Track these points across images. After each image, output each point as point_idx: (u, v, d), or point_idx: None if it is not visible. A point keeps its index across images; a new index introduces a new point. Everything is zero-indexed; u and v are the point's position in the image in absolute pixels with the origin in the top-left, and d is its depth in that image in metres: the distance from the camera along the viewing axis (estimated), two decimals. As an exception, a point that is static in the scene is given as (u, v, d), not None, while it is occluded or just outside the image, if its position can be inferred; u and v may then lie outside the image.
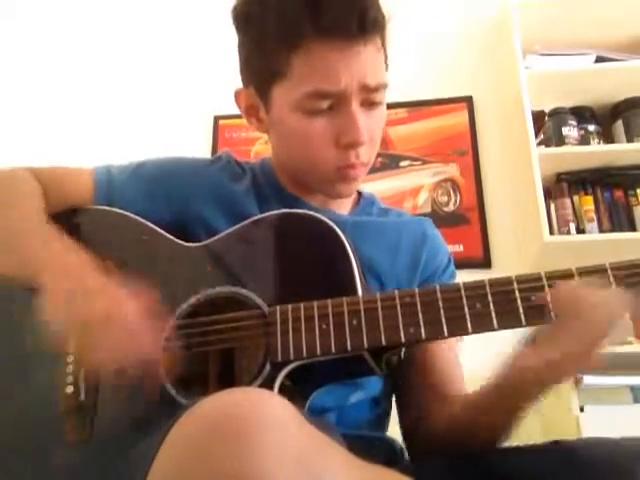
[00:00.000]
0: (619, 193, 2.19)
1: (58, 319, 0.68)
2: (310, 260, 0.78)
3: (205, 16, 2.64)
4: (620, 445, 0.68)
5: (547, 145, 2.23)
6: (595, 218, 2.14)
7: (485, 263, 2.26)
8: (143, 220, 0.87)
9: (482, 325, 0.68)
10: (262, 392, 0.52)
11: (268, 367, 0.71)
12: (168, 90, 2.68)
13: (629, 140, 2.22)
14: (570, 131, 2.22)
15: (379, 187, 2.36)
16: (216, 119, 2.62)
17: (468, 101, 2.51)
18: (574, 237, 2.10)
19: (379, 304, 0.70)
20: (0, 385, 0.80)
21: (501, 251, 2.29)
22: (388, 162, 2.44)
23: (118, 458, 0.63)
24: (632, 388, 1.82)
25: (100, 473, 0.69)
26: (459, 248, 2.29)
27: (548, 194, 2.18)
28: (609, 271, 0.67)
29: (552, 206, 2.18)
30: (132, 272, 0.83)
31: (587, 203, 2.17)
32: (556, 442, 0.71)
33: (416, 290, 0.71)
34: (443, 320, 0.68)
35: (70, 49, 2.71)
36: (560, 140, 2.20)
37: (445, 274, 0.96)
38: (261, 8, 0.82)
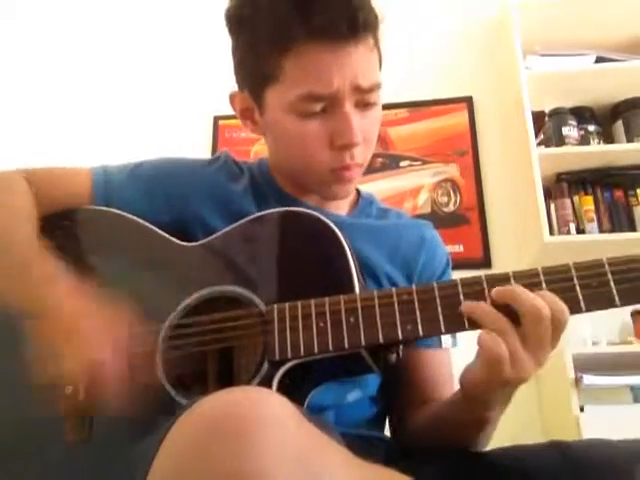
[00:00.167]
0: (619, 193, 2.20)
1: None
2: (308, 258, 0.78)
3: (205, 16, 2.64)
4: (618, 446, 0.68)
5: (547, 145, 2.23)
6: (595, 218, 2.14)
7: (485, 263, 2.27)
8: (141, 220, 0.87)
9: None
10: (261, 391, 0.52)
11: (266, 366, 0.71)
12: (168, 90, 2.68)
13: (629, 140, 2.22)
14: (570, 131, 2.22)
15: (379, 187, 2.36)
16: (216, 119, 2.62)
17: (468, 101, 2.51)
18: (574, 237, 2.10)
19: (376, 302, 0.70)
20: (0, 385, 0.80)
21: (501, 251, 2.29)
22: (388, 162, 2.44)
23: (118, 458, 0.63)
24: (632, 388, 1.83)
25: (100, 473, 0.69)
26: (459, 248, 2.29)
27: (548, 194, 2.18)
28: (607, 266, 0.66)
29: (552, 206, 2.19)
30: (130, 273, 0.84)
31: (587, 203, 2.17)
32: (555, 442, 0.71)
33: (414, 287, 0.70)
34: (440, 317, 0.68)
35: (70, 49, 2.72)
36: (560, 140, 2.21)
37: (442, 278, 0.95)
38: (253, 11, 0.82)
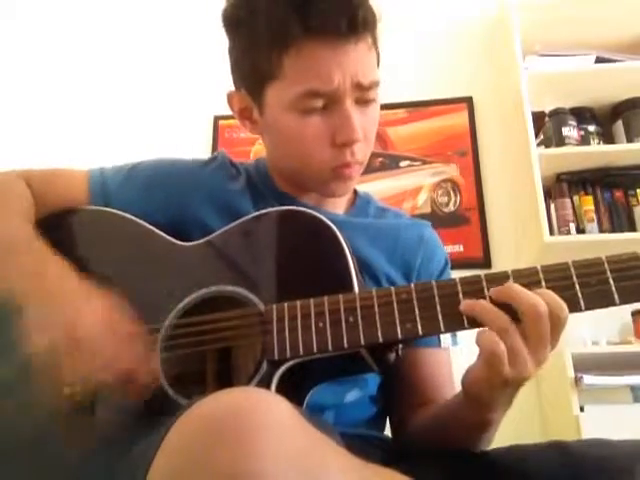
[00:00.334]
0: (619, 193, 2.20)
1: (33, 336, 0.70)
2: (306, 258, 0.78)
3: (204, 16, 2.63)
4: (619, 446, 0.68)
5: (547, 145, 2.23)
6: (595, 218, 2.14)
7: (485, 263, 2.26)
8: (139, 220, 0.88)
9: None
10: (260, 392, 0.52)
11: (265, 365, 0.71)
12: (168, 90, 2.68)
13: (629, 140, 2.22)
14: (570, 131, 2.22)
15: (379, 187, 2.36)
16: (216, 119, 2.62)
17: (468, 101, 2.51)
18: (574, 237, 2.10)
19: (375, 301, 0.70)
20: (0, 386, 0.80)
21: (501, 251, 2.29)
22: (388, 162, 2.45)
23: (117, 458, 0.63)
24: (632, 388, 1.82)
25: (100, 473, 0.69)
26: (459, 248, 2.29)
27: (548, 194, 2.18)
28: (606, 265, 0.66)
29: (552, 206, 2.19)
30: (129, 272, 0.84)
31: (587, 203, 2.17)
32: (556, 442, 0.71)
33: (412, 286, 0.70)
34: (440, 316, 0.68)
35: (70, 49, 2.72)
36: (560, 140, 2.21)
37: (441, 279, 0.95)
38: (250, 11, 0.82)
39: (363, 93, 0.82)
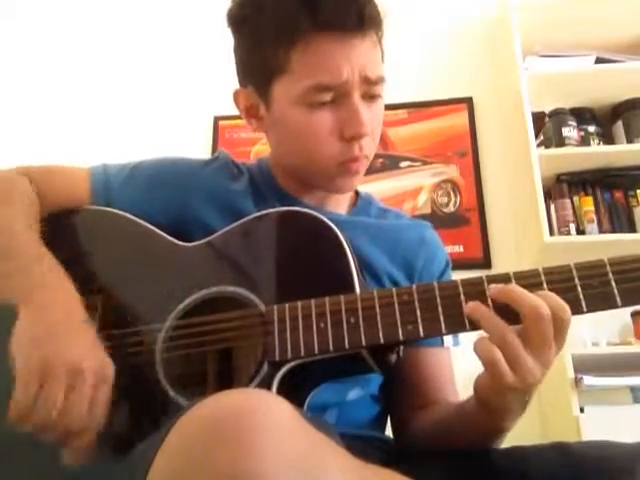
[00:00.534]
0: (619, 194, 2.20)
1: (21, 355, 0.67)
2: (308, 258, 0.78)
3: (205, 17, 2.64)
4: (620, 447, 0.67)
5: (547, 146, 2.23)
6: (595, 219, 2.14)
7: (485, 264, 2.27)
8: (140, 220, 0.87)
9: None
10: (261, 393, 0.52)
11: (266, 366, 0.71)
12: (168, 91, 2.68)
13: (629, 141, 2.22)
14: (570, 132, 2.22)
15: (379, 188, 2.36)
16: (216, 120, 2.62)
17: (468, 102, 2.51)
18: (574, 238, 2.10)
19: (377, 302, 0.70)
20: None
21: (501, 252, 2.29)
22: (388, 163, 2.45)
23: (118, 459, 0.63)
24: (632, 389, 1.82)
25: (100, 474, 0.69)
26: (459, 249, 2.29)
27: (548, 195, 2.18)
28: (608, 267, 0.66)
29: (552, 207, 2.19)
30: (129, 273, 0.84)
31: (587, 204, 2.17)
32: (557, 444, 0.71)
33: (414, 287, 0.70)
34: (441, 317, 0.68)
35: (70, 50, 2.71)
36: (560, 141, 2.21)
37: (442, 279, 0.95)
38: (256, 8, 0.83)
39: (370, 88, 0.83)
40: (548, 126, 2.27)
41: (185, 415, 0.48)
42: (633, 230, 2.13)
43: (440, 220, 2.32)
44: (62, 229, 0.88)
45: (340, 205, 0.97)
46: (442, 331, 0.68)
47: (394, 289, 0.71)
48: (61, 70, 2.69)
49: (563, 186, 2.20)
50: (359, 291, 0.73)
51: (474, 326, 0.66)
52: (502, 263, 2.25)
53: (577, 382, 1.80)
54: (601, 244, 2.05)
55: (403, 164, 2.46)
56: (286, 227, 0.81)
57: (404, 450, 0.87)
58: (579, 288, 0.66)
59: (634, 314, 2.04)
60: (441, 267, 0.96)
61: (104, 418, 0.67)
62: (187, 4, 2.77)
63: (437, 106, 2.52)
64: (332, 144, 0.83)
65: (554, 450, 0.70)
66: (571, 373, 1.81)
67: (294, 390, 0.69)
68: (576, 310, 0.65)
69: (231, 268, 0.80)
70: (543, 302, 0.63)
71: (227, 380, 0.76)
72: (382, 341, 0.68)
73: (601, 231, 2.12)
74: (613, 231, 2.13)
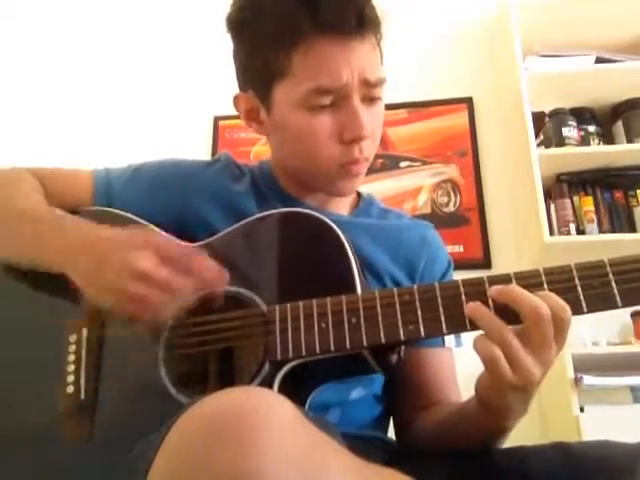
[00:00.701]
0: (619, 194, 2.20)
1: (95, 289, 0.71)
2: (309, 258, 0.78)
3: (205, 17, 2.64)
4: (620, 446, 0.68)
5: (547, 146, 2.23)
6: (595, 219, 2.14)
7: (485, 264, 2.27)
8: (143, 221, 0.88)
9: None
10: (262, 391, 0.52)
11: (267, 366, 0.71)
12: (168, 91, 2.68)
13: (629, 141, 2.23)
14: (570, 132, 2.22)
15: (379, 188, 2.36)
16: (216, 120, 2.62)
17: (468, 102, 2.51)
18: (574, 238, 2.11)
19: (378, 302, 0.70)
20: (0, 385, 0.80)
21: (501, 252, 2.29)
22: (388, 163, 2.45)
23: (118, 457, 0.63)
24: (632, 388, 1.82)
25: (100, 472, 0.69)
26: (459, 249, 2.29)
27: (548, 195, 2.18)
28: (608, 267, 0.66)
29: (552, 207, 2.19)
30: None
31: (587, 204, 2.17)
32: (558, 444, 0.71)
33: (415, 287, 0.70)
34: (442, 317, 0.68)
35: (70, 50, 2.71)
36: (560, 141, 2.21)
37: (444, 280, 0.95)
38: (256, 12, 0.83)
39: (370, 90, 0.83)
40: (548, 126, 2.27)
41: (185, 414, 0.48)
42: (633, 230, 2.13)
43: (440, 220, 2.32)
44: None
45: (342, 206, 0.97)
46: (443, 331, 0.68)
47: (395, 289, 0.71)
48: (61, 70, 2.69)
49: (563, 186, 2.20)
50: (360, 291, 0.73)
51: (475, 326, 0.67)
52: (502, 263, 2.25)
53: (577, 382, 1.80)
54: (601, 244, 2.05)
55: (403, 164, 2.46)
56: (288, 228, 0.82)
57: (406, 450, 0.87)
58: (579, 288, 0.66)
59: (634, 314, 2.04)
60: (443, 268, 0.97)
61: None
62: (187, 5, 2.77)
63: (437, 106, 2.52)
64: (332, 147, 0.83)
65: (555, 450, 0.70)
66: (571, 373, 1.82)
67: (295, 390, 0.69)
68: (576, 310, 0.65)
69: (233, 268, 0.81)
70: (543, 302, 0.63)
71: (228, 379, 0.76)
72: (383, 341, 0.68)
73: (601, 231, 2.13)
74: (613, 231, 2.13)
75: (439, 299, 0.69)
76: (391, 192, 2.41)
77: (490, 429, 0.73)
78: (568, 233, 2.12)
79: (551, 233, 2.07)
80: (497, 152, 2.43)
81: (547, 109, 2.31)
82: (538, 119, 2.24)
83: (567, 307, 0.64)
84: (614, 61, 2.27)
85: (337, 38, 0.79)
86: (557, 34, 2.31)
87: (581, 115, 2.30)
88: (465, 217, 2.36)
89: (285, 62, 0.81)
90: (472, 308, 0.67)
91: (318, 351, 0.69)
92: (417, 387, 0.90)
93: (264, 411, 0.46)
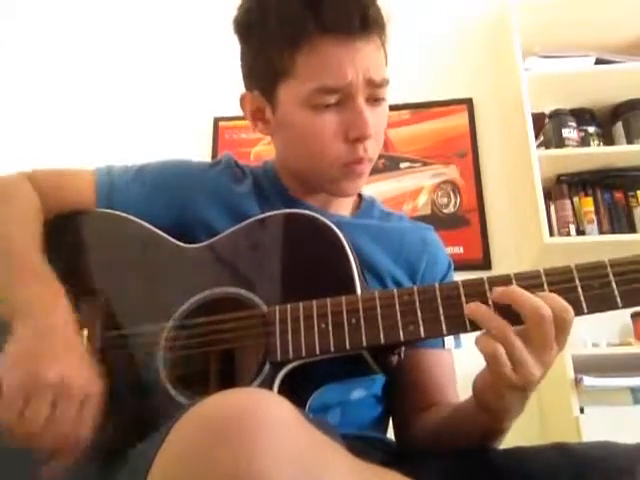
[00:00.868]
0: (619, 195, 2.20)
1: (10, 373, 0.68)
2: (309, 260, 0.78)
3: (205, 18, 2.65)
4: (620, 447, 0.68)
5: (547, 147, 2.23)
6: (595, 220, 2.14)
7: (485, 265, 2.26)
8: (144, 222, 0.88)
9: None
10: (262, 392, 0.52)
11: (268, 367, 0.71)
12: (168, 92, 2.68)
13: (629, 142, 2.23)
14: (570, 133, 2.22)
15: (379, 189, 2.36)
16: (216, 121, 2.62)
17: (468, 103, 2.51)
18: (574, 239, 2.10)
19: (378, 302, 0.70)
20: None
21: (501, 253, 2.29)
22: (388, 164, 2.45)
23: (118, 459, 0.63)
24: (632, 389, 1.82)
25: (100, 473, 0.69)
26: (459, 250, 2.29)
27: (548, 196, 2.18)
28: (609, 268, 0.66)
29: (552, 208, 2.18)
30: (133, 274, 0.84)
31: (587, 205, 2.17)
32: (558, 444, 0.71)
33: (415, 288, 0.71)
34: (442, 318, 0.68)
35: (71, 50, 2.72)
36: (560, 142, 2.21)
37: (444, 281, 0.95)
38: (262, 14, 0.84)
39: (374, 90, 0.83)
40: (548, 127, 2.27)
41: (185, 414, 0.48)
42: (633, 231, 2.13)
43: (440, 221, 2.32)
44: (66, 231, 0.88)
45: (344, 207, 0.97)
46: (443, 332, 0.68)
47: (395, 290, 0.71)
48: (62, 71, 2.69)
49: (563, 187, 2.20)
50: (360, 292, 0.73)
51: (475, 327, 0.67)
52: (502, 264, 2.25)
53: (577, 383, 1.80)
54: (601, 245, 2.05)
55: (403, 165, 2.46)
56: (288, 229, 0.82)
57: (405, 451, 0.87)
58: (580, 289, 0.66)
59: (634, 315, 2.04)
60: (444, 269, 0.97)
61: (90, 434, 0.69)
62: (187, 6, 2.77)
63: (437, 107, 2.52)
64: (337, 146, 0.84)
65: (555, 450, 0.70)
66: (571, 373, 1.81)
67: (295, 392, 0.69)
68: (577, 311, 0.65)
69: (234, 269, 0.81)
70: (544, 303, 0.63)
71: (229, 380, 0.76)
72: (383, 342, 0.68)
73: (601, 232, 2.12)
74: (613, 232, 2.13)
75: (439, 300, 0.69)
76: (391, 193, 2.41)
77: (487, 429, 0.73)
78: (568, 234, 2.11)
79: (551, 234, 2.07)
80: (497, 153, 2.43)
81: (547, 110, 2.31)
82: (538, 120, 2.24)
83: (569, 308, 0.64)
84: (614, 62, 2.27)
85: (341, 38, 0.79)
86: (557, 35, 2.31)
87: (581, 116, 2.30)
88: (465, 218, 2.36)
89: (289, 62, 0.81)
90: (472, 308, 0.67)
91: (318, 352, 0.69)
92: (417, 388, 0.90)
93: (264, 412, 0.46)
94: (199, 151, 2.50)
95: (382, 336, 0.68)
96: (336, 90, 0.81)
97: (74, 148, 2.43)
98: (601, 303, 0.65)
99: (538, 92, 2.22)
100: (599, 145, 2.25)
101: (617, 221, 2.16)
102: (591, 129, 2.28)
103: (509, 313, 0.65)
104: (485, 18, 2.58)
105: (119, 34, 2.76)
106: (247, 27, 0.87)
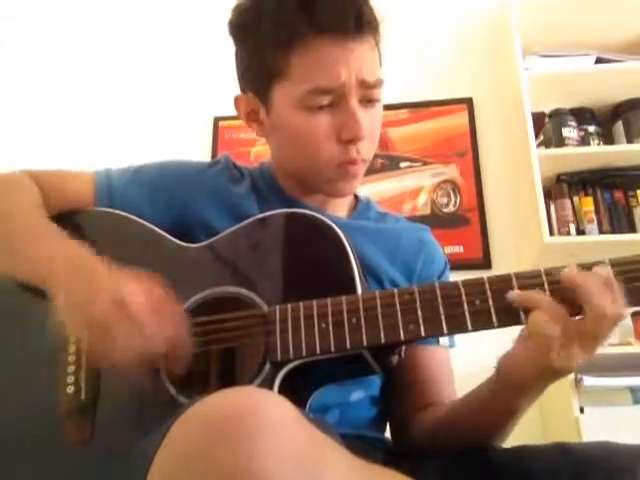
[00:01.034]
0: (619, 194, 2.20)
1: (72, 320, 0.69)
2: (310, 259, 0.78)
3: (205, 18, 2.64)
4: (620, 446, 0.68)
5: (547, 146, 2.23)
6: (595, 219, 2.14)
7: (485, 264, 2.26)
8: (144, 222, 0.88)
9: (481, 322, 0.68)
10: (262, 392, 0.52)
11: (268, 366, 0.71)
12: (168, 91, 2.68)
13: (629, 141, 2.22)
14: (570, 132, 2.22)
15: (379, 188, 2.36)
16: (216, 120, 2.62)
17: (468, 102, 2.51)
18: (574, 238, 2.10)
19: (378, 302, 0.70)
20: (1, 385, 0.80)
21: (501, 252, 2.29)
22: (388, 163, 2.44)
23: (118, 458, 0.63)
24: (632, 389, 1.82)
25: (101, 473, 0.70)
26: (459, 249, 2.29)
27: (548, 195, 2.18)
28: (609, 267, 0.66)
29: (552, 207, 2.18)
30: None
31: (587, 204, 2.17)
32: (558, 444, 0.71)
33: (415, 288, 0.71)
34: (442, 317, 0.68)
35: (70, 50, 2.72)
36: (560, 141, 2.21)
37: (441, 280, 0.96)
38: (256, 15, 0.84)
39: (368, 91, 0.83)
40: (548, 126, 2.27)
41: (185, 413, 0.49)
42: (633, 230, 2.13)
43: (440, 220, 2.32)
44: (67, 229, 0.88)
45: (340, 208, 0.98)
46: (444, 331, 0.68)
47: (396, 290, 0.71)
48: (61, 71, 2.69)
49: (563, 186, 2.20)
50: (361, 292, 0.73)
51: (476, 327, 0.67)
52: (502, 263, 2.25)
53: (577, 383, 1.80)
54: (601, 244, 2.05)
55: (403, 164, 2.46)
56: (288, 228, 0.82)
57: (405, 450, 0.87)
58: (580, 289, 0.66)
59: (634, 314, 2.04)
60: (440, 268, 0.97)
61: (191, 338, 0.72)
62: (187, 6, 2.77)
63: (437, 106, 2.52)
64: (330, 147, 0.84)
65: (555, 450, 0.70)
66: (571, 374, 1.81)
67: (295, 392, 0.69)
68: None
69: (234, 269, 0.81)
70: (609, 302, 0.63)
71: (229, 380, 0.76)
72: (383, 341, 0.69)
73: (601, 231, 2.12)
74: (613, 231, 2.13)
75: (439, 299, 0.69)
76: (391, 192, 2.41)
77: (501, 413, 0.73)
78: (568, 233, 2.11)
79: (551, 233, 2.07)
80: (497, 152, 2.43)
81: (547, 109, 2.31)
82: (538, 119, 2.24)
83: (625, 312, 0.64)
84: (614, 61, 2.27)
85: (335, 39, 0.79)
86: (557, 34, 2.31)
87: (581, 115, 2.30)
88: (465, 217, 2.35)
89: (283, 63, 0.81)
90: (524, 294, 0.66)
91: (318, 351, 0.70)
92: (414, 385, 0.90)
93: (264, 411, 0.46)
94: (199, 151, 2.50)
95: (383, 335, 0.68)
96: (329, 91, 0.81)
97: (74, 148, 2.44)
98: None
99: (538, 91, 2.22)
100: (599, 144, 2.25)
101: (617, 221, 2.15)
102: (591, 128, 2.28)
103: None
104: (485, 17, 2.58)
105: (119, 34, 2.76)
106: (242, 28, 0.87)
